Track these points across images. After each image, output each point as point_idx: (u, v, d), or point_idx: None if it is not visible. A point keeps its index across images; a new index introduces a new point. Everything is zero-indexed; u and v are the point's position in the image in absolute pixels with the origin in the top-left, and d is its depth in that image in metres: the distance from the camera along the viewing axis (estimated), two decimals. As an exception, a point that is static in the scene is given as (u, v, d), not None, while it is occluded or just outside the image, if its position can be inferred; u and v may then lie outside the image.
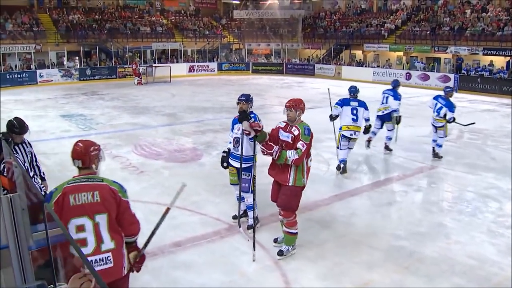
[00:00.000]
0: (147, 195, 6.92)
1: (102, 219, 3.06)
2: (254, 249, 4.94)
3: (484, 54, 23.44)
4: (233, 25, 35.75)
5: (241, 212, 5.84)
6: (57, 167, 8.44)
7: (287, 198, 4.83)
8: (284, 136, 4.77)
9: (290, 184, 4.76)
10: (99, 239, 3.04)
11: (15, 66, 23.73)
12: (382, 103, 9.59)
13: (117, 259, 3.11)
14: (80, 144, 3.24)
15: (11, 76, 22.66)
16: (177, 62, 29.47)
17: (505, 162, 9.02)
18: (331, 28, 32.57)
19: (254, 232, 5.08)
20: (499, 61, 22.80)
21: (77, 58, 26.46)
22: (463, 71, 23.26)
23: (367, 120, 8.04)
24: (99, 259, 3.04)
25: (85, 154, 3.20)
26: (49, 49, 25.03)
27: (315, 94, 20.31)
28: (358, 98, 8.05)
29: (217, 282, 4.52)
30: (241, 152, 5.39)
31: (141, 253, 3.30)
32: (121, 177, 7.91)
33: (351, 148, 8.19)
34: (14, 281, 2.40)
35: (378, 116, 9.66)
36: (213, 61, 31.11)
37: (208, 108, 15.90)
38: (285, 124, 4.87)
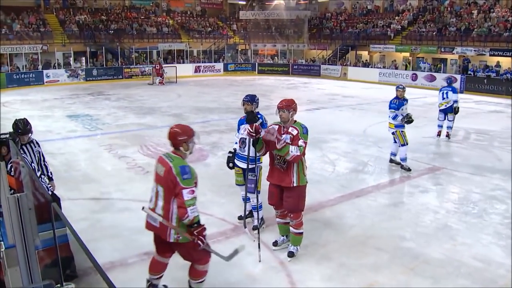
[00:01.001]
0: (153, 195, 6.92)
1: (160, 190, 3.77)
2: (259, 250, 4.94)
3: (491, 55, 23.31)
4: (239, 26, 35.77)
5: (247, 212, 5.84)
6: (63, 167, 8.48)
7: (294, 201, 4.83)
8: (282, 138, 4.75)
9: (295, 185, 4.75)
10: (155, 203, 3.82)
11: (22, 66, 23.87)
12: (443, 98, 11.13)
13: (163, 225, 3.74)
14: (174, 128, 3.94)
15: (18, 76, 22.80)
16: (183, 62, 29.53)
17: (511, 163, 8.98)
18: (337, 29, 32.52)
19: (258, 232, 5.09)
20: (506, 62, 22.66)
21: (84, 58, 26.59)
22: (469, 72, 23.14)
23: (392, 118, 8.49)
24: (151, 216, 3.82)
25: (174, 139, 3.88)
26: (56, 49, 25.13)
27: (321, 95, 20.32)
28: (403, 97, 8.58)
29: (223, 283, 4.53)
30: (248, 153, 5.39)
31: (193, 239, 3.71)
32: (127, 177, 7.96)
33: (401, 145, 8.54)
34: (21, 280, 2.41)
35: (441, 110, 11.22)
36: (219, 62, 31.14)
37: (214, 109, 15.93)
38: (278, 126, 4.83)
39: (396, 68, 26.44)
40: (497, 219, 6.27)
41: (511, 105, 16.01)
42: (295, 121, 4.86)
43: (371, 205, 6.76)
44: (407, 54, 27.57)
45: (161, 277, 4.17)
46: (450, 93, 11.10)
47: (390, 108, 8.48)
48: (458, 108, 11.10)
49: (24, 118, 5.13)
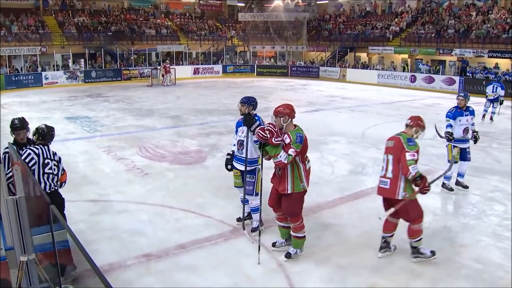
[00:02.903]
0: (152, 198, 6.92)
1: (390, 158, 4.90)
2: (259, 252, 4.93)
3: (489, 57, 23.34)
4: (238, 28, 35.79)
5: (245, 214, 5.84)
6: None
7: (290, 206, 4.86)
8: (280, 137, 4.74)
9: (289, 192, 4.77)
10: (386, 169, 4.92)
11: (21, 68, 23.84)
12: (493, 91, 13.99)
13: (392, 186, 4.84)
14: (414, 116, 5.13)
15: (16, 78, 22.77)
16: (182, 64, 29.52)
17: (510, 165, 8.96)
18: (336, 31, 32.53)
19: (259, 234, 5.08)
20: (505, 64, 22.70)
21: (82, 60, 26.58)
22: (467, 74, 23.16)
23: (446, 127, 7.50)
24: (383, 181, 4.93)
25: (414, 120, 5.04)
26: (55, 51, 25.16)
27: (319, 97, 20.32)
28: (464, 107, 7.46)
29: (221, 285, 4.52)
30: (246, 155, 5.39)
31: (420, 190, 4.88)
32: (126, 179, 7.95)
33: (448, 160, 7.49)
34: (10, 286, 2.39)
35: (489, 100, 14.12)
36: (218, 64, 31.14)
37: (213, 111, 15.92)
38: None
39: (395, 70, 26.47)
40: (496, 221, 6.27)
41: (510, 107, 16.01)
42: (295, 126, 4.82)
43: (370, 207, 6.74)
44: (406, 56, 27.60)
45: (392, 235, 5.19)
46: (499, 88, 13.97)
47: (446, 116, 7.44)
48: (503, 101, 14.16)
49: (21, 116, 5.14)
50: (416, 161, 4.75)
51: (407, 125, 5.07)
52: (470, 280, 4.68)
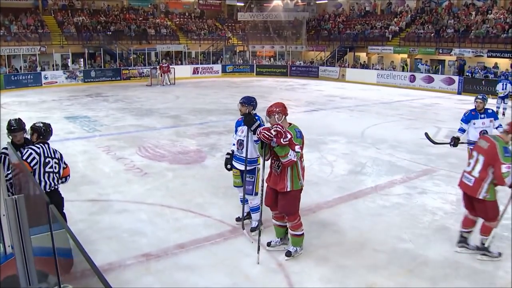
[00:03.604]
0: (151, 197, 6.92)
1: (481, 158, 4.89)
2: (258, 251, 4.94)
3: (488, 56, 23.35)
4: (237, 27, 35.78)
5: (245, 214, 5.85)
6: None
7: (287, 204, 4.86)
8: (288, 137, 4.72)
9: (288, 190, 4.77)
10: (473, 167, 4.94)
11: (20, 67, 23.82)
12: (503, 88, 14.89)
13: (475, 185, 4.88)
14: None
15: (16, 78, 22.75)
16: (181, 64, 29.50)
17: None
18: (335, 30, 32.53)
19: (259, 234, 5.08)
20: (504, 63, 22.70)
21: (82, 60, 26.56)
22: (467, 73, 23.16)
23: (457, 130, 7.57)
24: (468, 177, 4.99)
25: (509, 125, 4.94)
26: (54, 51, 25.14)
27: (319, 96, 20.33)
28: (481, 110, 7.38)
29: (220, 285, 4.52)
30: (246, 154, 5.39)
31: None
32: (125, 179, 7.95)
33: None
34: (19, 283, 2.39)
35: (499, 97, 14.95)
36: (217, 63, 31.13)
37: (212, 110, 15.92)
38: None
39: (394, 70, 26.46)
40: (495, 221, 6.26)
41: (510, 107, 16.01)
42: (290, 124, 4.83)
43: (369, 207, 6.76)
44: (405, 56, 27.60)
45: (470, 231, 5.25)
46: (508, 85, 14.83)
47: (461, 119, 7.49)
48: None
49: (18, 118, 5.13)
50: (510, 172, 4.78)
51: (505, 131, 5.03)
52: (469, 279, 4.68)
